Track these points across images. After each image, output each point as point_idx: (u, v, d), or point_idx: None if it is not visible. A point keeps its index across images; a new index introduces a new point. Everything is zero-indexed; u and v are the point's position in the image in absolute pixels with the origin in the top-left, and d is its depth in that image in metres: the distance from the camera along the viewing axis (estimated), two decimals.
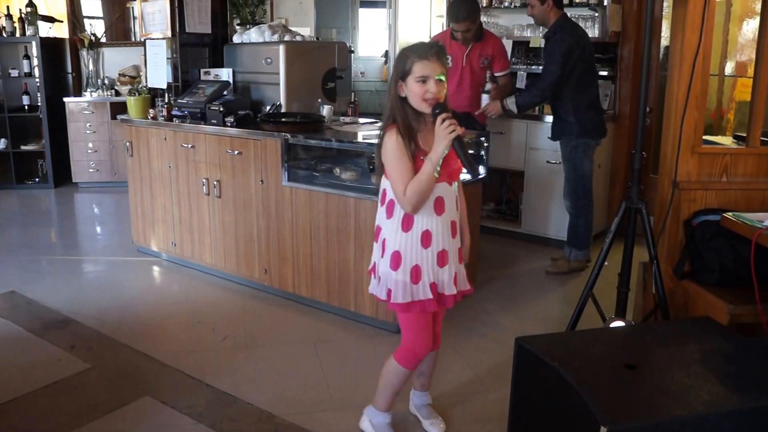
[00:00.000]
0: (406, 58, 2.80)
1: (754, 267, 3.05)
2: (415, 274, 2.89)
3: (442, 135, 2.69)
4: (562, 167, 5.55)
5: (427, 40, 6.36)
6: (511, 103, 5.35)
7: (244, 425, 3.39)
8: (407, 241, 2.89)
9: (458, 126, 2.70)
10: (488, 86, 4.87)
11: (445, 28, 5.75)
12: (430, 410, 3.39)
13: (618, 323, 3.53)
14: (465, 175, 4.83)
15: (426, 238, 2.87)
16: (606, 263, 3.59)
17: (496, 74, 5.79)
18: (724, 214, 3.34)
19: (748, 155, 3.71)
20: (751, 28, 5.68)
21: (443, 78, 2.78)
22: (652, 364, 2.64)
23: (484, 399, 3.65)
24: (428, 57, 2.75)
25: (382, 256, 2.97)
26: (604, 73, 6.39)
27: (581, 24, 6.30)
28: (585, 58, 5.27)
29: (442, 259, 2.91)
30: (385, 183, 2.94)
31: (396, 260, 2.91)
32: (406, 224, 2.88)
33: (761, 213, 3.33)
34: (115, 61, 8.97)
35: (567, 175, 5.49)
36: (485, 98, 4.89)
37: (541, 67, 6.55)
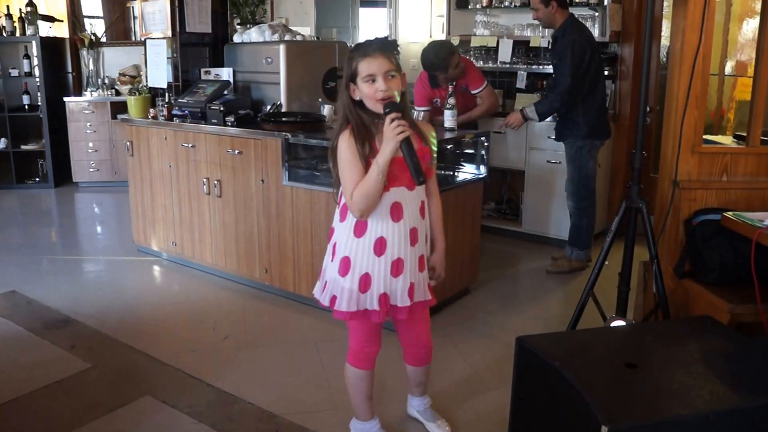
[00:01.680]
0: (351, 59, 2.68)
1: (754, 266, 3.05)
2: (364, 282, 2.78)
3: (390, 136, 2.56)
4: (566, 167, 5.53)
5: (430, 40, 6.33)
6: (530, 111, 5.29)
7: (244, 425, 3.38)
8: (359, 247, 2.78)
9: (408, 127, 2.57)
10: (451, 101, 4.81)
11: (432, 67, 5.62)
12: (433, 412, 3.35)
13: (618, 322, 3.52)
14: (466, 174, 4.86)
15: (380, 246, 2.76)
16: (606, 263, 3.58)
17: (475, 92, 5.70)
18: (725, 214, 3.34)
19: (748, 155, 3.71)
20: (751, 27, 5.68)
21: (394, 73, 2.64)
22: (652, 363, 2.64)
23: (484, 398, 3.64)
24: (371, 53, 2.63)
25: (332, 260, 2.87)
26: (605, 73, 6.39)
27: None
28: (596, 58, 5.27)
29: (396, 268, 2.79)
30: (342, 187, 2.83)
31: (345, 266, 2.80)
32: (359, 229, 2.77)
33: (761, 212, 3.33)
34: (115, 60, 8.98)
35: (571, 176, 5.48)
36: (448, 114, 4.78)
37: (540, 67, 6.59)
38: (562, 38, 5.20)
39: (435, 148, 2.88)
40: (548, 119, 5.71)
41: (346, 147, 2.69)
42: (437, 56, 5.46)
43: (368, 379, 3.07)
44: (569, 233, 5.64)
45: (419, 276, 2.90)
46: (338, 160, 2.75)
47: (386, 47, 2.68)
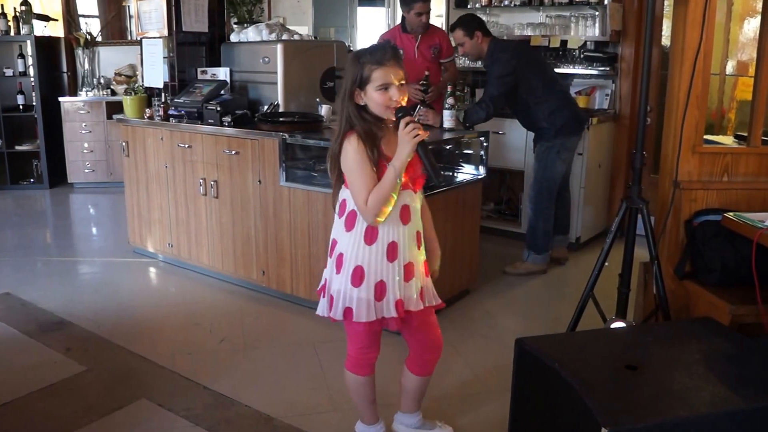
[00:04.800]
0: (362, 66, 2.66)
1: (755, 267, 3.04)
2: (380, 290, 2.76)
3: (406, 140, 2.57)
4: (534, 167, 5.56)
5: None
6: (460, 115, 5.29)
7: (241, 428, 3.36)
8: (371, 254, 2.74)
9: (422, 130, 2.60)
10: (450, 101, 4.81)
11: (413, 17, 5.76)
12: (429, 421, 3.27)
13: (619, 324, 3.51)
14: (465, 175, 4.83)
15: (392, 251, 2.75)
16: (607, 263, 3.57)
17: (444, 60, 5.97)
18: (725, 214, 3.33)
19: (749, 155, 3.69)
20: (752, 27, 5.67)
21: (404, 81, 2.68)
22: (653, 364, 2.63)
23: (485, 400, 3.62)
24: (386, 63, 2.64)
25: (338, 273, 2.81)
26: (605, 72, 6.40)
27: (581, 23, 6.33)
28: (533, 66, 5.30)
29: (408, 272, 2.79)
30: (344, 193, 2.81)
31: (358, 276, 2.76)
32: (370, 236, 2.74)
33: (762, 213, 3.32)
34: (111, 60, 8.94)
35: (535, 175, 5.50)
36: (447, 114, 4.77)
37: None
38: (490, 59, 5.27)
39: None
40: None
41: (355, 153, 2.67)
42: None
43: (369, 384, 3.04)
44: (526, 235, 5.64)
45: (426, 280, 2.91)
46: (347, 167, 2.72)
47: (398, 55, 2.70)
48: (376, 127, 2.72)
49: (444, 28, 6.85)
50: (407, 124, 2.59)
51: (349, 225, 2.79)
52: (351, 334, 2.93)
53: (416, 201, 2.82)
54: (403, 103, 2.67)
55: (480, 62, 5.72)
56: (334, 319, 2.85)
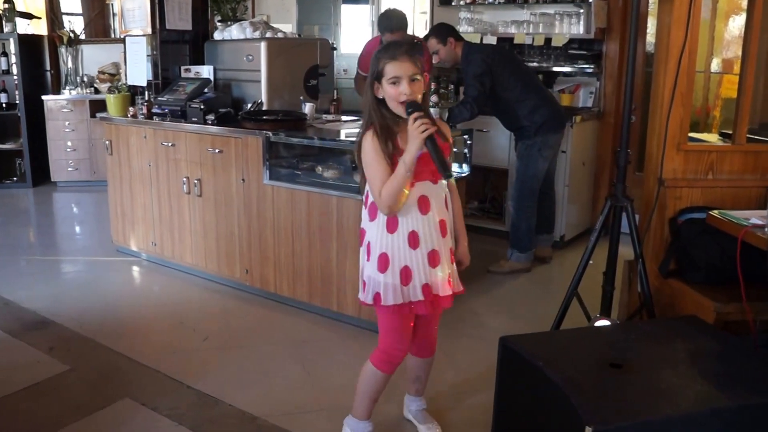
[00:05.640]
0: (378, 60, 2.77)
1: (740, 265, 3.04)
2: (405, 275, 2.84)
3: (414, 135, 2.64)
4: (516, 165, 5.57)
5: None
6: (444, 114, 5.30)
7: (226, 427, 3.35)
8: (394, 242, 2.84)
9: (431, 125, 2.65)
10: (433, 98, 4.85)
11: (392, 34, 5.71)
12: (425, 415, 3.33)
13: (603, 322, 3.51)
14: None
15: (413, 239, 2.82)
16: (591, 261, 3.57)
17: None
18: (710, 212, 3.33)
19: (734, 152, 3.70)
20: (737, 24, 5.69)
21: (418, 77, 2.73)
22: (637, 363, 2.63)
23: (469, 398, 3.62)
24: (398, 57, 2.72)
25: (368, 260, 2.91)
26: (590, 70, 6.40)
27: (566, 20, 6.32)
28: (508, 65, 5.31)
29: (433, 259, 2.86)
30: (369, 185, 2.90)
31: (384, 262, 2.85)
32: (391, 225, 2.84)
33: (747, 211, 3.33)
34: (94, 58, 8.88)
35: (517, 174, 5.51)
36: (432, 112, 4.81)
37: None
38: (465, 61, 5.27)
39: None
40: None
41: (370, 147, 2.78)
42: (397, 18, 5.63)
43: (384, 382, 3.08)
44: (509, 234, 5.65)
45: (452, 267, 2.97)
46: (364, 161, 2.83)
47: (413, 51, 2.77)
48: (393, 122, 2.80)
49: (428, 26, 6.85)
50: (416, 119, 2.64)
51: (372, 215, 2.91)
52: (381, 325, 3.00)
53: (438, 191, 2.88)
54: (417, 99, 2.73)
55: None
56: (365, 303, 2.95)
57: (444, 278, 2.90)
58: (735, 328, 3.38)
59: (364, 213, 2.96)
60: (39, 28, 8.85)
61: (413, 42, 2.83)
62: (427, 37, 5.43)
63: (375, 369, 3.03)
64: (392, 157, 2.75)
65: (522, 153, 5.41)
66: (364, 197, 2.96)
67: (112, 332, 4.39)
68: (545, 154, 5.35)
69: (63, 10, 9.14)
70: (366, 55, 6.15)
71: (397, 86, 2.72)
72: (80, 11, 9.34)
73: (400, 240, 2.83)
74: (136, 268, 5.65)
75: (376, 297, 2.88)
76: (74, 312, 4.68)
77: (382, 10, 6.58)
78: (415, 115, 2.66)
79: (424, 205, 2.82)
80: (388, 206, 2.76)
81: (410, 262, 2.84)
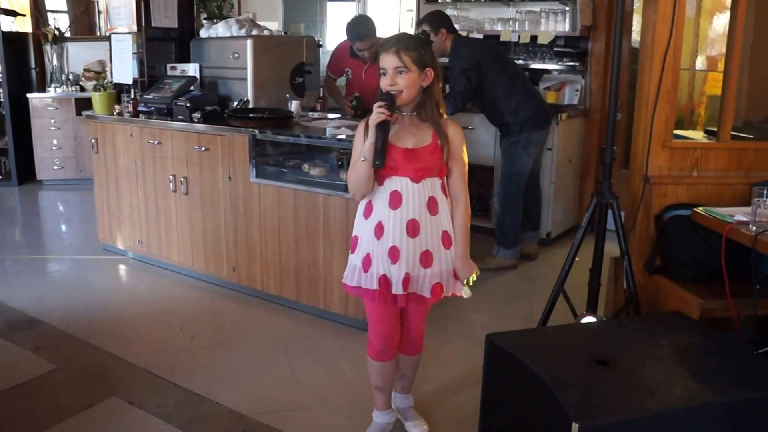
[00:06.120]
0: (379, 52, 2.84)
1: (725, 262, 3.06)
2: (366, 262, 2.89)
3: (370, 121, 2.72)
4: (500, 162, 5.58)
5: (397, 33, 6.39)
6: None
7: (213, 425, 3.35)
8: (364, 228, 2.92)
9: (390, 115, 2.70)
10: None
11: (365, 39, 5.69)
12: (412, 412, 3.33)
13: (589, 319, 3.53)
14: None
15: (379, 230, 2.86)
16: (577, 258, 3.58)
17: None
18: (695, 209, 3.35)
19: (718, 150, 3.72)
20: (721, 22, 5.72)
21: (404, 70, 2.73)
22: (624, 359, 2.63)
23: (457, 397, 3.63)
24: (386, 50, 2.77)
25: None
26: (575, 67, 6.42)
27: (552, 18, 6.33)
28: (496, 61, 5.31)
29: (392, 255, 2.83)
30: None
31: (354, 243, 2.96)
32: (367, 211, 2.92)
33: (732, 207, 3.35)
34: (79, 56, 8.81)
35: (502, 171, 5.52)
36: None
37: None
38: (452, 55, 5.26)
39: (463, 149, 2.92)
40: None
41: (358, 132, 2.87)
42: (364, 26, 5.68)
43: (379, 370, 3.09)
44: (495, 230, 5.66)
45: (421, 271, 2.87)
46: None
47: (401, 44, 2.76)
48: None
49: (414, 22, 6.84)
50: (379, 107, 2.70)
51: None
52: (367, 315, 3.05)
53: (420, 191, 2.83)
54: (402, 91, 2.75)
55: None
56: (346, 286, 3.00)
57: (399, 277, 2.83)
58: (720, 324, 3.39)
59: None
60: (24, 25, 8.79)
61: (416, 35, 2.82)
62: (420, 22, 5.41)
63: (368, 357, 3.07)
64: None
65: (507, 150, 5.41)
66: None
67: (99, 331, 4.37)
68: (530, 151, 5.36)
69: (48, 7, 9.06)
70: (334, 58, 6.18)
71: (385, 77, 2.77)
72: (65, 9, 9.28)
73: (370, 227, 2.89)
74: (122, 267, 5.63)
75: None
76: (61, 311, 4.66)
77: (369, 7, 6.57)
78: (378, 102, 2.71)
79: (394, 200, 2.83)
80: (351, 190, 2.89)
81: (372, 250, 2.87)
